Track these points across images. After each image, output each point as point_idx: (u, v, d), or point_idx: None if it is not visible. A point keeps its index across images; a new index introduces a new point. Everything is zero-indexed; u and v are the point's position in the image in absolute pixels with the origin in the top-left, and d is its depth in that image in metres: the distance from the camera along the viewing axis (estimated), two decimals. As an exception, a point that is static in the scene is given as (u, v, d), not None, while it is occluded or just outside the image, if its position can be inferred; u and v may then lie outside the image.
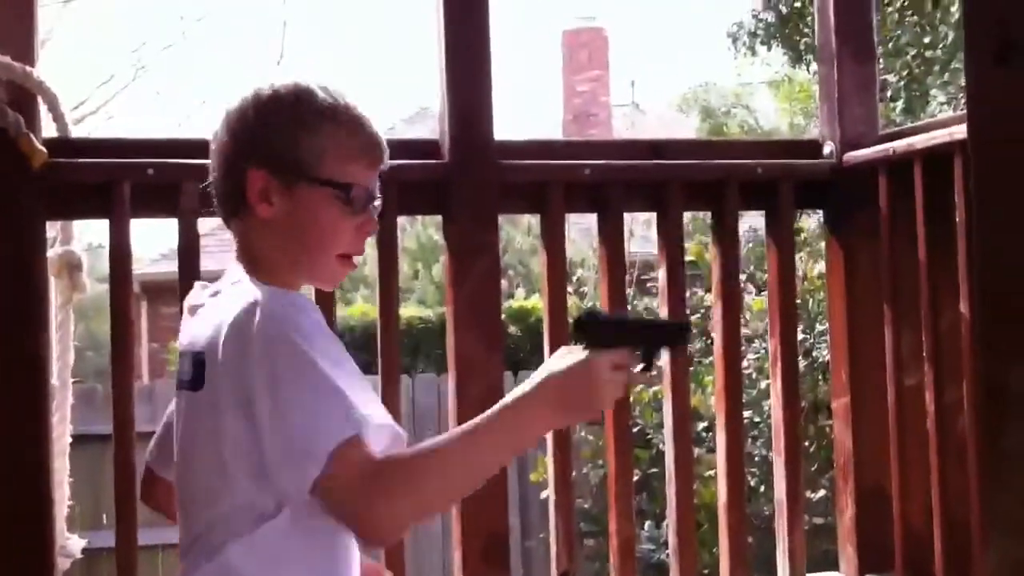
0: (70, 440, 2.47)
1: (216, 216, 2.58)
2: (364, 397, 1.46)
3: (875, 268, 2.76)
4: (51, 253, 2.42)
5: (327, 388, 1.42)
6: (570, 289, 6.16)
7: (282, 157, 1.54)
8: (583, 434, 5.37)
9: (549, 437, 2.65)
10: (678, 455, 2.70)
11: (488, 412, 1.48)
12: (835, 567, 2.88)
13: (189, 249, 2.44)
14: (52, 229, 2.42)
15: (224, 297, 1.59)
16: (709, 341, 4.21)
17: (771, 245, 2.85)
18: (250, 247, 1.61)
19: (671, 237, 2.73)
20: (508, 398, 1.49)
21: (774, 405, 2.85)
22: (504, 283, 8.71)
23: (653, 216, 2.81)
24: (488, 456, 1.50)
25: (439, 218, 2.70)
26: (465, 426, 1.48)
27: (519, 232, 10.58)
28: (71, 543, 2.44)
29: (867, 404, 2.79)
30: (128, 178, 2.36)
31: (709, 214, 2.91)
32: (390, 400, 2.46)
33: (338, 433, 1.40)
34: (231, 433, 1.48)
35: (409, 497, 1.42)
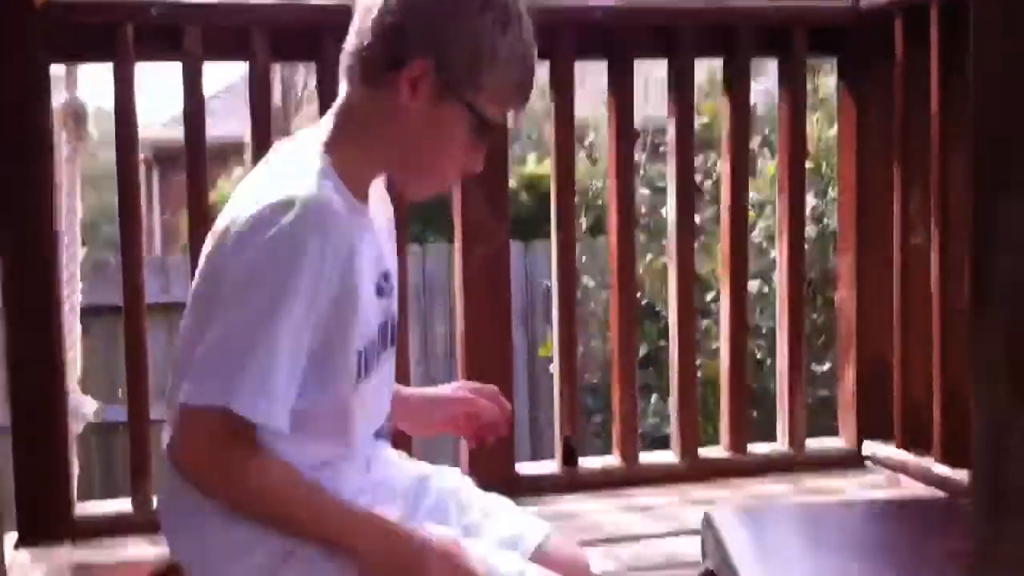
0: (80, 310, 2.51)
1: (220, 60, 2.55)
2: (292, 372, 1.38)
3: (887, 123, 2.71)
4: (56, 102, 2.41)
5: (267, 347, 1.35)
6: (582, 153, 6.02)
7: (455, 66, 1.44)
8: (592, 306, 5.37)
9: (554, 308, 2.67)
10: (681, 321, 2.71)
11: (342, 506, 1.42)
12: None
13: (195, 101, 2.42)
14: (57, 88, 2.42)
15: (276, 165, 1.51)
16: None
17: (783, 96, 2.80)
18: (360, 116, 1.50)
19: (681, 84, 2.69)
20: (366, 513, 1.43)
21: (779, 270, 2.85)
22: (517, 148, 8.57)
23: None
24: (303, 531, 1.41)
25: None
26: (319, 499, 1.41)
27: (534, 94, 10.39)
28: (84, 405, 2.48)
29: (872, 264, 2.78)
30: (131, 19, 2.35)
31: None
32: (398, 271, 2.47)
33: (235, 398, 1.34)
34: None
35: (231, 492, 1.40)
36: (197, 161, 2.44)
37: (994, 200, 1.03)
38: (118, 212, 2.42)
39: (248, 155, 2.56)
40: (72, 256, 2.47)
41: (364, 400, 1.50)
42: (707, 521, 1.83)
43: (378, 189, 1.60)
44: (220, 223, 1.46)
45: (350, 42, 1.49)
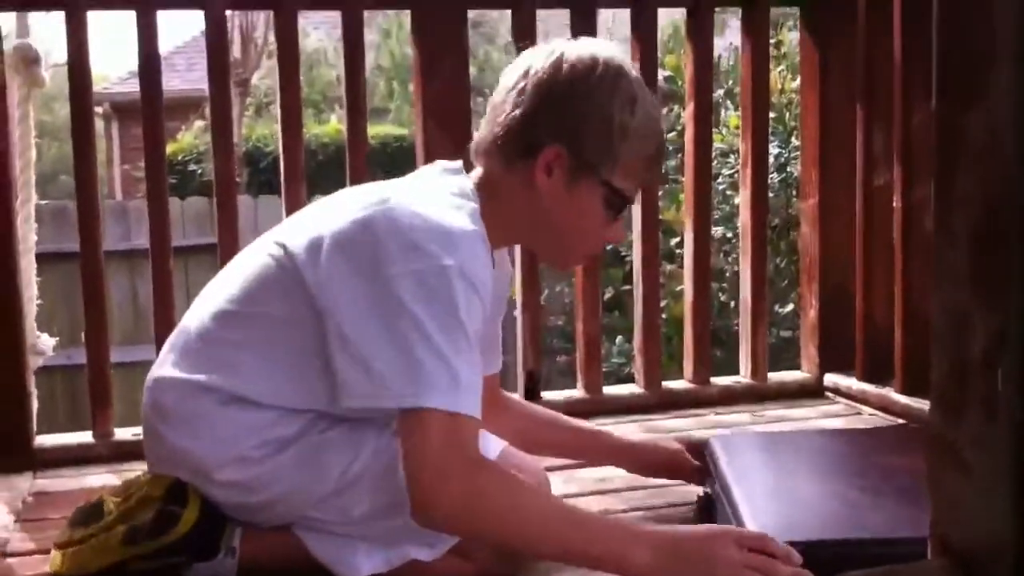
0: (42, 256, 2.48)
1: (174, 9, 2.51)
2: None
3: (849, 67, 2.72)
4: (7, 47, 2.37)
5: (454, 345, 1.40)
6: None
7: (589, 150, 1.53)
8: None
9: (517, 248, 2.66)
10: (646, 259, 2.71)
11: (604, 519, 1.48)
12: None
13: (149, 49, 2.38)
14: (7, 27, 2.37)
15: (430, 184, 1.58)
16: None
17: (746, 44, 2.79)
18: (499, 191, 1.58)
19: (645, 32, 2.66)
20: (636, 525, 1.50)
21: (742, 207, 2.85)
22: (481, 101, 8.58)
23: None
24: (567, 549, 1.41)
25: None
26: (578, 513, 1.44)
27: (495, 49, 10.38)
28: (41, 341, 2.47)
29: (835, 205, 2.80)
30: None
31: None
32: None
33: (440, 398, 1.38)
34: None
35: (485, 514, 1.40)
36: (153, 108, 2.40)
37: (955, 113, 1.04)
38: (73, 157, 2.38)
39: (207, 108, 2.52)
40: (28, 198, 2.45)
41: None
42: (706, 448, 1.85)
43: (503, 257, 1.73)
44: (355, 211, 1.50)
45: (485, 130, 1.59)
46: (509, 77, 1.57)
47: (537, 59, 1.56)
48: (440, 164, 1.64)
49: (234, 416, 1.55)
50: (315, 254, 1.50)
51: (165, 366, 1.63)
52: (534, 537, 1.40)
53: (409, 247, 1.42)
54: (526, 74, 1.55)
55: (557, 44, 1.57)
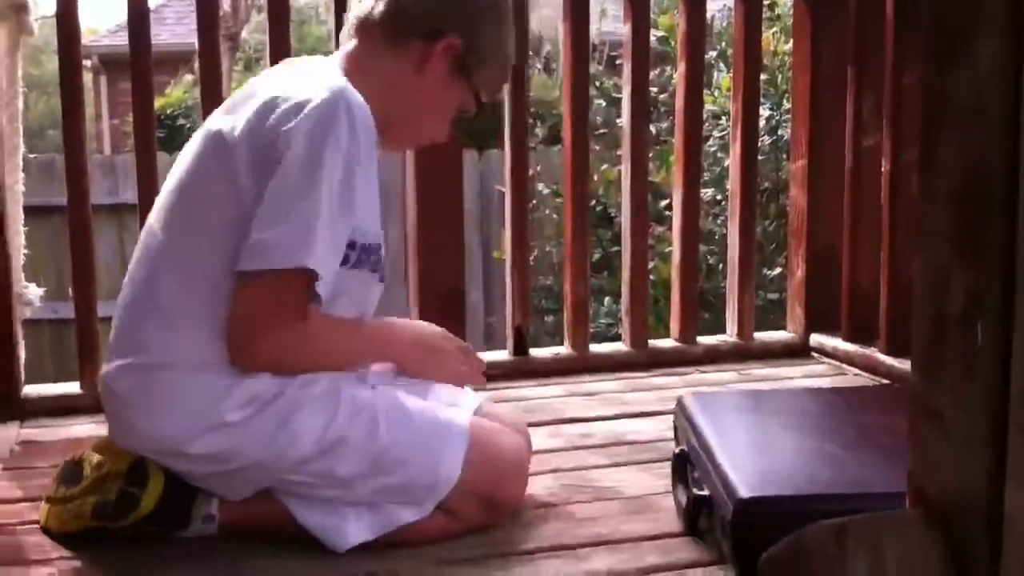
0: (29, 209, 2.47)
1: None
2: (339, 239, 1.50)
3: (842, 28, 2.71)
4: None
5: (328, 212, 1.46)
6: (538, 66, 6.02)
7: (478, 54, 1.66)
8: (546, 212, 5.38)
9: (507, 207, 2.67)
10: (634, 218, 2.71)
11: (386, 322, 1.69)
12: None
13: (138, 10, 2.37)
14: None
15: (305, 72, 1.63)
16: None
17: (739, 2, 2.77)
18: (370, 68, 1.65)
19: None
20: (403, 323, 1.73)
21: (731, 166, 2.85)
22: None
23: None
24: (362, 357, 1.65)
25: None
26: (370, 327, 1.65)
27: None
28: (29, 291, 2.46)
29: (824, 166, 2.80)
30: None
31: None
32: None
33: (299, 257, 1.45)
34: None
35: (296, 357, 1.53)
36: (142, 62, 2.39)
37: (942, 74, 1.05)
38: (62, 111, 2.37)
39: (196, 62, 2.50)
40: (15, 147, 2.43)
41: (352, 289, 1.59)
42: (680, 405, 1.86)
43: None
44: (242, 114, 1.53)
45: (370, 5, 1.64)
46: None
47: None
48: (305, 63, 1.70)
49: (199, 383, 1.51)
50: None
51: (112, 358, 1.59)
52: (334, 366, 1.57)
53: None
54: None
55: None
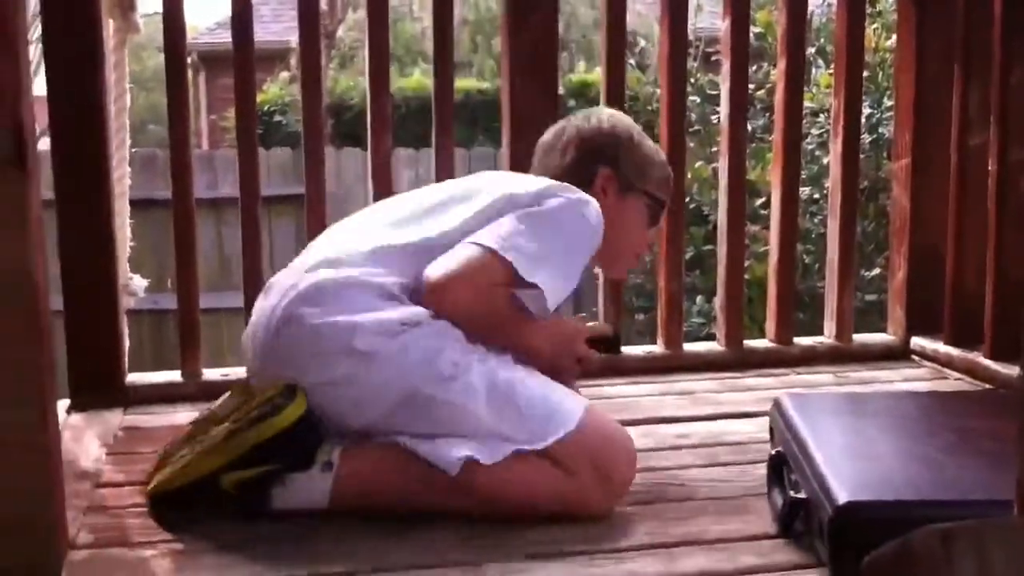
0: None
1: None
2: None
3: (947, 24, 2.65)
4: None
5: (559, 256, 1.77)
6: (632, 61, 5.99)
7: (628, 169, 2.01)
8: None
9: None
10: (731, 216, 2.69)
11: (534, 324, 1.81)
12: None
13: (242, 7, 2.41)
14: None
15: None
16: (773, 117, 4.09)
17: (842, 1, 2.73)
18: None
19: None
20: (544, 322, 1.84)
21: (832, 163, 2.80)
22: (565, 56, 8.50)
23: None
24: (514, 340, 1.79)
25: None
26: (516, 324, 1.78)
27: (582, 4, 10.32)
28: (134, 282, 2.52)
29: (928, 165, 2.74)
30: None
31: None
32: (444, 170, 2.47)
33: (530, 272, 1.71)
34: None
35: (478, 311, 1.73)
36: (245, 58, 2.43)
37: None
38: (167, 107, 2.42)
39: (294, 60, 2.54)
40: (122, 142, 2.49)
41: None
42: (776, 406, 1.84)
43: None
44: (495, 189, 1.85)
45: (539, 172, 2.01)
46: (550, 134, 2.07)
47: (574, 120, 2.07)
48: None
49: (379, 305, 1.68)
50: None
51: (319, 269, 1.74)
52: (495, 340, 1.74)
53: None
54: (564, 130, 2.04)
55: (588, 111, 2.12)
